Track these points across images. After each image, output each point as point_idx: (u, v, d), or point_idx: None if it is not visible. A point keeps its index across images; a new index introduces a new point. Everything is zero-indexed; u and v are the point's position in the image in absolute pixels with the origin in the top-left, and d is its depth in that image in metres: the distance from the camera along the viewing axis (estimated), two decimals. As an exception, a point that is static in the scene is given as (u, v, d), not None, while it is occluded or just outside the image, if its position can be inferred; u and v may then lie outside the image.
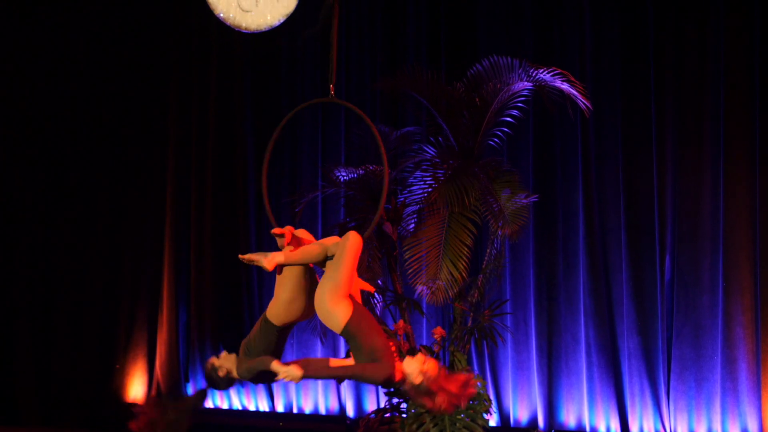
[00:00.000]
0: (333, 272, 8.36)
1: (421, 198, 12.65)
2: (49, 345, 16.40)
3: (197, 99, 16.07)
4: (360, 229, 12.99)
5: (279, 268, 8.51)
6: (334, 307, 8.26)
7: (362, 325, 8.26)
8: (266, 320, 8.61)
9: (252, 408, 15.50)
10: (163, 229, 16.05)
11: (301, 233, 8.76)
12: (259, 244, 15.65)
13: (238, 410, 15.56)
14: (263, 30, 9.88)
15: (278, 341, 8.64)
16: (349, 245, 8.43)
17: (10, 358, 16.30)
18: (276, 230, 8.61)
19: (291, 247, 8.56)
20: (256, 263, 8.45)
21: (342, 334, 8.33)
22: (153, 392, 15.90)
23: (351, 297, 8.40)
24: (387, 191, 9.10)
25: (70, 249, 16.46)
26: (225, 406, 15.68)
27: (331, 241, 8.67)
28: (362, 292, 9.52)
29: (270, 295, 15.27)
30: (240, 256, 8.54)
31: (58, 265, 16.45)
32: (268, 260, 8.40)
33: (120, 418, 15.68)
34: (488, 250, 13.03)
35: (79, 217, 16.47)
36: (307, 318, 8.80)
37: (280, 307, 8.52)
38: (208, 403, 15.82)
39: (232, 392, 15.60)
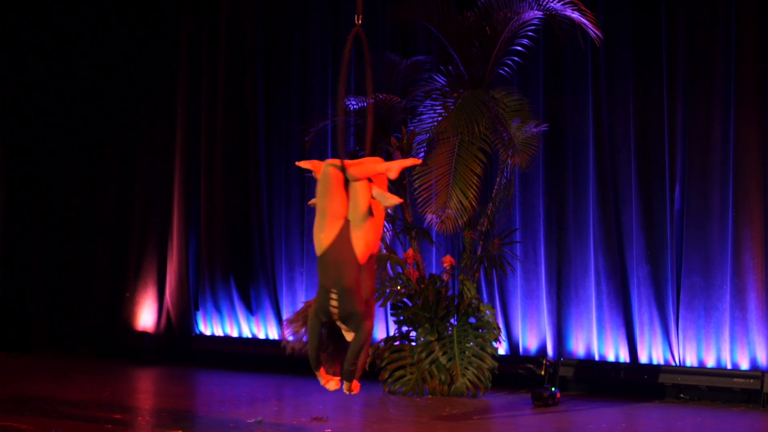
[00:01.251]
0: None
1: (431, 127, 12.66)
2: (59, 275, 16.49)
3: (208, 27, 16.01)
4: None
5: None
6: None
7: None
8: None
9: (262, 336, 15.59)
10: (173, 158, 16.07)
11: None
12: (268, 175, 15.67)
13: (248, 338, 15.65)
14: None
15: None
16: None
17: (21, 289, 16.40)
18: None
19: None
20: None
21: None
22: (163, 321, 15.98)
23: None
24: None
25: (80, 179, 16.51)
26: (235, 334, 15.77)
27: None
28: None
29: (279, 223, 15.32)
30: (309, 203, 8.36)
31: (69, 195, 16.50)
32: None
33: (129, 346, 15.81)
34: (498, 179, 13.05)
35: (90, 149, 16.50)
36: None
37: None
38: (218, 331, 15.92)
39: (243, 321, 15.69)
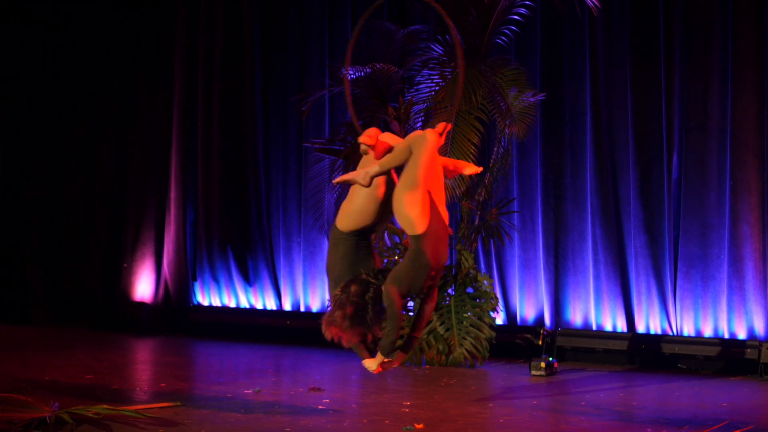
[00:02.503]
0: (410, 170, 7.83)
1: (428, 96, 12.63)
2: (57, 246, 16.47)
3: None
4: (367, 127, 12.94)
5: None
6: (411, 209, 7.86)
7: (427, 246, 7.96)
8: (336, 229, 8.05)
9: (260, 306, 15.59)
10: (170, 127, 16.02)
11: (387, 137, 8.35)
12: (266, 145, 15.63)
13: (246, 309, 15.65)
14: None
15: (355, 248, 8.14)
16: (426, 141, 8.02)
17: (20, 260, 16.37)
18: (364, 140, 8.16)
19: (373, 154, 8.04)
20: (351, 182, 8.04)
21: (410, 239, 8.02)
22: (160, 291, 15.98)
23: (432, 207, 8.01)
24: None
25: (78, 150, 16.47)
26: (232, 305, 15.77)
27: (414, 137, 8.17)
28: None
29: (276, 193, 15.30)
30: (334, 181, 8.09)
31: (67, 167, 16.46)
32: (362, 177, 7.87)
33: (127, 316, 15.81)
34: (495, 149, 13.04)
35: (88, 120, 16.45)
36: (383, 222, 8.39)
37: (352, 214, 7.97)
38: (215, 301, 15.91)
39: (240, 291, 15.68)
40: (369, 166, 7.96)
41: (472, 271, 12.77)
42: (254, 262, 15.62)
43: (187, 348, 14.54)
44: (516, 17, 12.78)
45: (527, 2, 12.65)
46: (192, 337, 15.25)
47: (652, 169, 13.25)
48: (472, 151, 12.45)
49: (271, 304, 15.51)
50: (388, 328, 7.76)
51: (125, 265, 16.15)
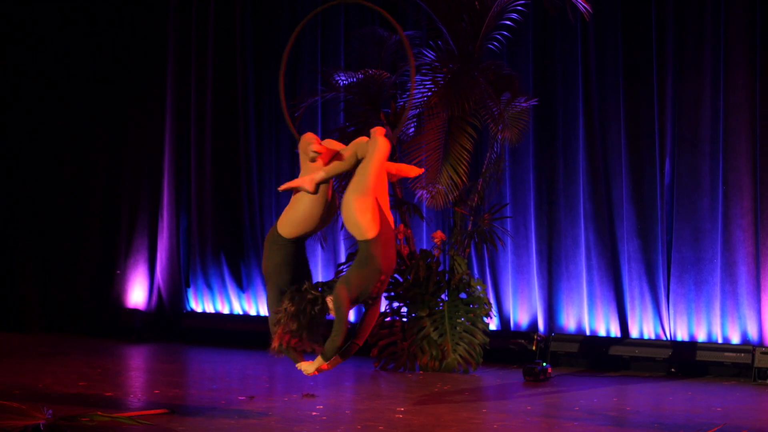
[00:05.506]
0: (360, 176, 8.05)
1: (420, 102, 12.63)
2: (50, 253, 16.43)
3: (198, 2, 15.90)
4: (359, 134, 12.96)
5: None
6: (361, 215, 7.93)
7: (378, 251, 8.03)
8: (277, 235, 8.19)
9: (253, 313, 15.57)
10: (163, 135, 16.00)
11: (329, 143, 8.41)
12: (258, 151, 15.61)
13: (239, 315, 15.64)
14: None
15: (295, 253, 8.27)
16: (377, 148, 8.06)
17: (13, 268, 16.33)
18: (317, 148, 8.09)
19: (321, 161, 8.15)
20: (297, 189, 8.11)
21: (360, 244, 8.12)
22: (154, 298, 15.96)
23: (380, 212, 8.05)
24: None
25: (70, 157, 16.43)
26: (226, 311, 15.75)
27: (359, 143, 8.27)
28: None
29: (270, 200, 15.28)
30: (279, 188, 8.22)
31: (59, 172, 16.42)
32: (308, 183, 8.00)
33: (120, 323, 15.78)
34: (488, 154, 13.04)
35: (80, 126, 16.41)
36: (324, 227, 8.48)
37: (296, 221, 8.12)
38: (209, 308, 15.89)
39: (233, 297, 15.66)
40: (314, 173, 8.09)
41: (465, 276, 12.76)
42: (247, 268, 15.61)
43: (181, 354, 14.52)
44: (508, 23, 12.79)
45: (519, 8, 12.65)
46: (185, 344, 15.22)
47: (645, 174, 13.26)
48: (465, 156, 12.47)
49: (264, 311, 15.49)
50: (334, 332, 8.00)
51: (118, 271, 16.13)
